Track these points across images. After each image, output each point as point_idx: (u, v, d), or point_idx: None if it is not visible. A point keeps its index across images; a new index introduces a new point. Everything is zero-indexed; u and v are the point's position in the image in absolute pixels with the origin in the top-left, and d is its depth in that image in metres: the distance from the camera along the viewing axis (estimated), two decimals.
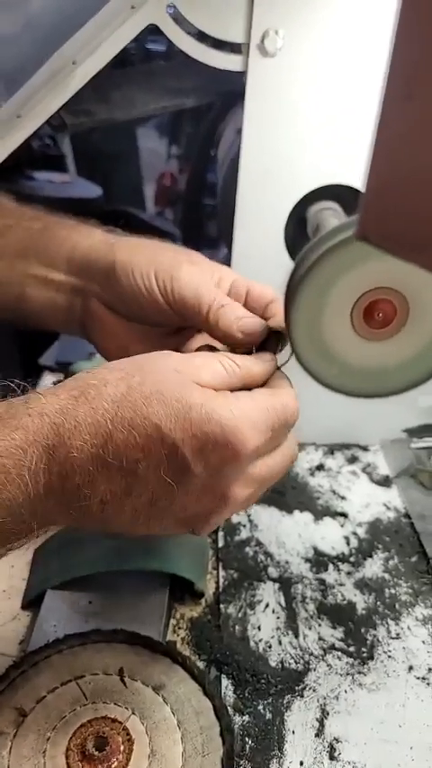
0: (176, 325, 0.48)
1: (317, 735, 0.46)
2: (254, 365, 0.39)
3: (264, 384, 0.39)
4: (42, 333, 0.88)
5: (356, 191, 0.61)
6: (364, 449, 0.74)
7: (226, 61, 0.56)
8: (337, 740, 0.46)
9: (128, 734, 0.42)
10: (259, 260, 0.64)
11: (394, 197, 0.17)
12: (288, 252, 0.64)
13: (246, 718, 0.47)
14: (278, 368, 0.43)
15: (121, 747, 0.41)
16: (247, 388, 0.37)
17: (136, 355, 0.36)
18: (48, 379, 0.82)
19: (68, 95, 0.55)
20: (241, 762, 0.44)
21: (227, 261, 0.64)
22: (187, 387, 0.33)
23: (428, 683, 0.50)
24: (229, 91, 0.68)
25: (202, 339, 0.48)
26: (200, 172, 1.14)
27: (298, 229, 0.65)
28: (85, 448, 0.30)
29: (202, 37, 0.54)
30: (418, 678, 0.50)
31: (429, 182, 0.17)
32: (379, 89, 0.16)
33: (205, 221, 1.23)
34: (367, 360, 0.46)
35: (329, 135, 0.58)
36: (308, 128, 0.58)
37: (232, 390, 0.36)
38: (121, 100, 0.61)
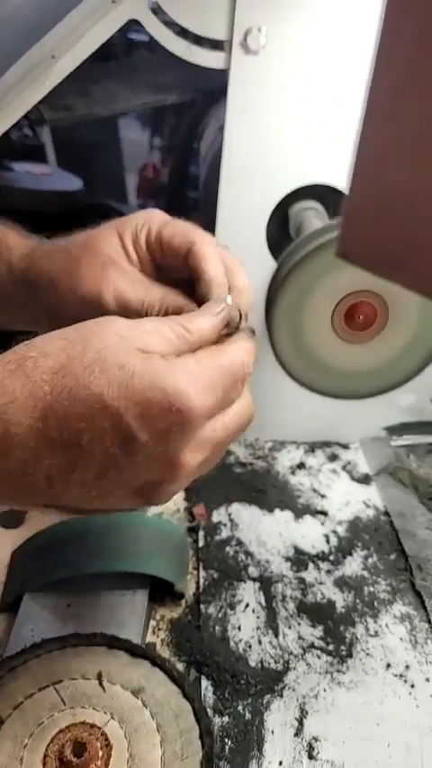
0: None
1: (296, 734, 0.46)
2: (205, 325, 0.35)
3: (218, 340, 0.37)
4: None
5: (339, 191, 0.61)
6: (345, 447, 0.74)
7: (208, 58, 0.55)
8: (315, 739, 0.46)
9: (106, 739, 0.42)
10: (241, 259, 0.64)
11: (374, 217, 0.16)
12: (270, 251, 0.64)
13: (225, 718, 0.47)
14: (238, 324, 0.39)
15: (100, 753, 0.41)
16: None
17: (81, 323, 0.33)
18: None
19: (47, 90, 0.54)
20: (221, 763, 0.44)
21: None
22: (130, 353, 0.31)
23: (405, 681, 0.50)
24: (212, 88, 0.67)
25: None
26: (182, 164, 1.12)
27: (280, 229, 0.64)
28: (24, 423, 0.29)
29: (184, 33, 0.53)
30: (396, 675, 0.51)
31: (408, 203, 0.16)
32: (359, 110, 0.16)
33: (188, 214, 1.22)
34: (347, 362, 0.46)
35: (312, 134, 0.58)
36: (290, 127, 0.58)
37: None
38: (102, 95, 0.60)
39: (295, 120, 0.57)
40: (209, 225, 0.67)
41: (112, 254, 0.40)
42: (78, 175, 1.24)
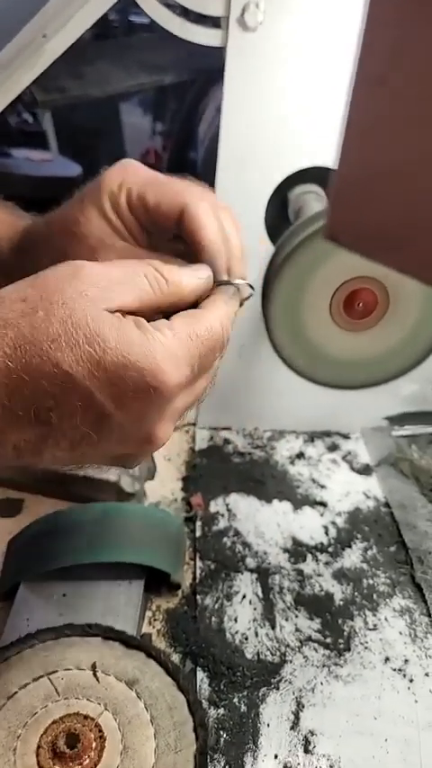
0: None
1: (292, 728, 0.46)
2: (184, 279, 0.33)
3: (196, 303, 0.34)
4: None
5: None
6: (345, 437, 0.73)
7: (205, 36, 0.54)
8: (312, 733, 0.46)
9: (100, 730, 0.41)
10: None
11: (365, 193, 0.15)
12: (268, 236, 0.62)
13: (221, 711, 0.47)
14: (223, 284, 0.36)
15: (93, 744, 0.41)
16: (175, 307, 0.33)
17: (41, 272, 0.30)
18: None
19: (39, 71, 0.52)
20: (215, 755, 0.44)
21: None
22: (99, 321, 0.28)
23: (404, 675, 0.50)
24: (210, 67, 0.66)
25: None
26: (182, 149, 1.11)
27: (279, 213, 0.63)
28: None
29: (179, 10, 0.52)
30: (394, 670, 0.50)
31: (403, 175, 0.15)
32: (349, 74, 0.15)
33: None
34: (346, 351, 0.45)
35: (313, 114, 0.56)
36: (290, 107, 0.56)
37: (159, 309, 0.32)
38: (96, 75, 0.58)
39: (295, 99, 0.56)
40: None
41: (96, 233, 0.37)
42: (79, 161, 1.22)
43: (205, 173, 0.77)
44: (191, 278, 0.33)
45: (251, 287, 0.37)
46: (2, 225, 0.42)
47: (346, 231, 0.16)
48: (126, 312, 0.30)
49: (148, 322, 0.30)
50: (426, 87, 0.15)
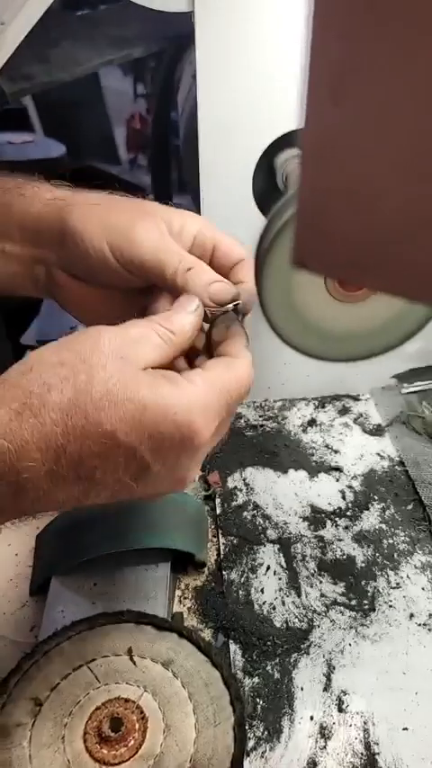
0: (141, 285, 0.44)
1: (324, 689, 0.48)
2: (185, 324, 0.36)
3: (212, 343, 0.38)
4: (22, 310, 0.86)
5: None
6: (355, 398, 0.73)
7: (170, 2, 0.51)
8: (344, 692, 0.47)
9: (141, 712, 0.44)
10: (228, 215, 0.61)
11: (330, 216, 0.15)
12: (258, 205, 0.61)
13: (255, 679, 0.49)
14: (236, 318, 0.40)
15: (136, 726, 0.43)
16: (185, 350, 0.37)
17: (66, 337, 0.33)
18: None
19: (2, 60, 0.51)
20: (254, 722, 0.46)
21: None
22: (137, 382, 0.31)
23: (429, 629, 0.51)
24: (180, 35, 0.63)
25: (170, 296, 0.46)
26: (164, 112, 1.07)
27: (267, 180, 0.61)
28: (36, 467, 0.29)
29: None
30: (420, 625, 0.51)
31: (367, 195, 0.15)
32: (300, 94, 0.14)
33: (175, 164, 1.17)
34: (342, 323, 0.44)
35: (294, 75, 0.54)
36: (269, 68, 0.54)
37: (174, 360, 0.36)
38: (62, 58, 0.56)
39: (273, 60, 0.53)
40: (193, 179, 0.65)
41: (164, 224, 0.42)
42: (63, 138, 1.19)
43: (187, 144, 0.75)
44: (187, 318, 0.37)
45: (239, 307, 0.40)
46: (36, 188, 0.44)
47: (314, 257, 0.16)
48: (153, 368, 0.33)
49: (175, 370, 0.34)
50: (382, 100, 0.14)
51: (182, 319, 0.36)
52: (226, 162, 0.59)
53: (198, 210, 0.64)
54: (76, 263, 0.42)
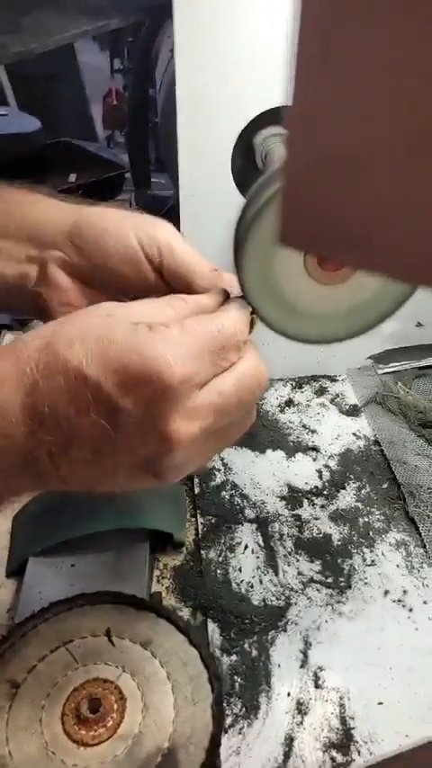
0: (150, 290, 0.45)
1: (301, 666, 0.49)
2: (202, 298, 0.37)
3: None
4: None
5: None
6: (333, 379, 0.73)
7: None
8: (320, 669, 0.48)
9: (120, 692, 0.44)
10: (206, 194, 0.61)
11: (318, 191, 0.15)
12: (236, 185, 0.60)
13: (233, 657, 0.49)
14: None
15: (115, 706, 0.43)
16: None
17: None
18: (8, 338, 0.79)
19: None
20: (232, 699, 0.47)
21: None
22: (113, 324, 0.31)
23: (404, 605, 0.52)
24: (158, 6, 0.61)
25: None
26: (142, 88, 1.05)
27: (246, 159, 0.60)
28: (16, 401, 0.30)
29: None
30: (394, 601, 0.52)
31: (357, 167, 0.14)
32: (289, 55, 0.14)
33: (153, 141, 1.15)
34: (321, 304, 0.44)
35: (274, 51, 0.53)
36: (249, 43, 0.52)
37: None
38: (35, 27, 0.54)
39: (254, 35, 0.52)
40: (171, 157, 0.63)
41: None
42: (38, 113, 1.16)
43: (165, 121, 0.74)
44: (207, 297, 0.37)
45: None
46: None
47: (301, 234, 0.16)
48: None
49: None
50: (372, 63, 0.14)
51: (201, 296, 0.36)
52: (204, 140, 0.58)
53: (176, 189, 0.63)
54: (91, 260, 0.41)
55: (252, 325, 0.38)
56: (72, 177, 0.97)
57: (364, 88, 0.14)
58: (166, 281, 0.41)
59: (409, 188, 0.15)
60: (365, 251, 0.15)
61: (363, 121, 0.14)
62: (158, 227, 0.41)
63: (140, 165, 1.05)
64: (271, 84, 0.54)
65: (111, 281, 0.42)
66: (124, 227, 0.40)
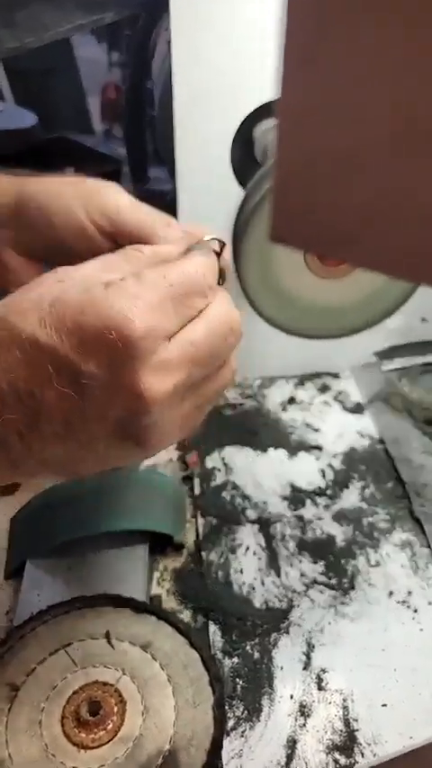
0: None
1: (304, 668, 0.48)
2: (162, 249, 0.34)
3: None
4: None
5: None
6: (335, 376, 0.72)
7: None
8: (323, 671, 0.48)
9: (120, 695, 0.43)
10: (205, 188, 0.60)
11: (310, 187, 0.14)
12: (236, 178, 0.59)
13: (235, 660, 0.48)
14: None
15: (115, 709, 0.42)
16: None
17: None
18: None
19: None
20: (234, 702, 0.46)
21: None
22: (67, 288, 0.29)
23: (408, 606, 0.51)
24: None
25: None
26: (139, 81, 1.03)
27: (245, 152, 0.59)
28: None
29: None
30: (399, 602, 0.52)
31: (349, 163, 0.14)
32: (276, 54, 0.13)
33: (151, 135, 1.14)
34: (321, 299, 0.43)
35: (273, 41, 0.52)
36: (247, 33, 0.51)
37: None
38: (30, 21, 0.53)
39: (253, 24, 0.51)
40: (168, 151, 0.62)
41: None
42: (35, 107, 1.15)
43: (163, 113, 0.73)
44: (170, 235, 0.34)
45: (221, 241, 0.35)
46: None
47: (293, 231, 0.15)
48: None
49: None
50: (358, 63, 0.13)
51: (158, 247, 0.34)
52: (203, 133, 0.57)
53: (174, 183, 0.62)
54: (39, 234, 0.39)
55: (222, 275, 0.35)
56: (69, 172, 0.96)
57: (352, 88, 0.13)
58: (122, 245, 0.38)
59: (397, 186, 0.14)
60: (357, 248, 0.14)
61: (351, 121, 0.14)
62: (103, 192, 0.38)
63: (138, 158, 1.04)
64: (270, 76, 0.53)
65: (64, 254, 0.39)
66: (68, 199, 0.38)
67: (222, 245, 0.35)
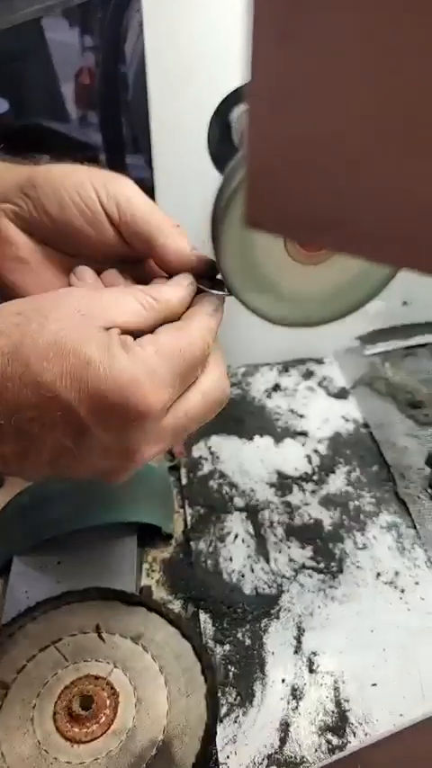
0: (106, 251, 0.41)
1: (295, 652, 0.48)
2: (173, 294, 0.35)
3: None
4: None
5: None
6: (319, 362, 0.72)
7: None
8: (314, 654, 0.48)
9: (112, 688, 0.43)
10: (182, 174, 0.59)
11: (284, 171, 0.13)
12: (214, 163, 0.58)
13: (227, 647, 0.48)
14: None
15: (107, 702, 0.42)
16: (168, 321, 0.34)
17: (36, 295, 0.32)
18: None
19: None
20: (227, 689, 0.46)
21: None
22: (88, 336, 0.29)
23: (396, 587, 0.52)
24: None
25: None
26: (112, 64, 1.01)
27: (222, 136, 0.59)
28: None
29: None
30: (386, 583, 0.52)
31: (325, 146, 0.13)
32: (245, 29, 0.12)
33: (127, 121, 1.12)
34: (303, 285, 0.43)
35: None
36: (224, 12, 0.50)
37: (153, 328, 0.33)
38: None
39: (229, 1, 0.50)
40: (145, 137, 0.61)
41: None
42: (6, 93, 1.12)
43: (137, 97, 0.71)
44: (177, 290, 0.35)
45: (229, 292, 0.38)
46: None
47: (268, 216, 0.14)
48: (123, 331, 0.31)
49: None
50: (336, 40, 0.12)
51: (169, 290, 0.34)
52: (178, 117, 0.56)
53: (151, 170, 0.61)
54: (47, 212, 0.38)
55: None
56: (45, 160, 0.94)
57: (328, 67, 0.13)
58: (127, 240, 0.38)
59: (380, 172, 0.14)
60: (334, 233, 0.14)
61: (333, 104, 0.13)
62: (117, 181, 0.38)
63: (114, 145, 1.02)
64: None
65: (68, 235, 0.39)
66: (82, 179, 0.38)
67: (228, 294, 0.38)
